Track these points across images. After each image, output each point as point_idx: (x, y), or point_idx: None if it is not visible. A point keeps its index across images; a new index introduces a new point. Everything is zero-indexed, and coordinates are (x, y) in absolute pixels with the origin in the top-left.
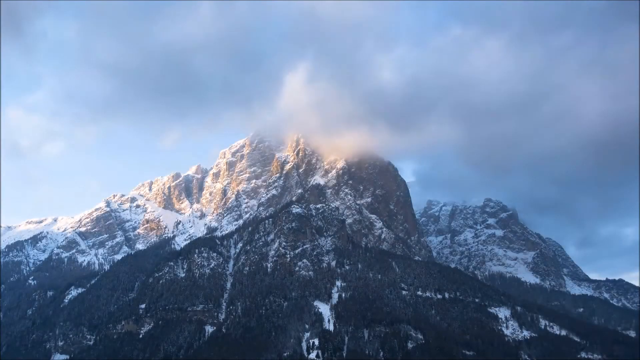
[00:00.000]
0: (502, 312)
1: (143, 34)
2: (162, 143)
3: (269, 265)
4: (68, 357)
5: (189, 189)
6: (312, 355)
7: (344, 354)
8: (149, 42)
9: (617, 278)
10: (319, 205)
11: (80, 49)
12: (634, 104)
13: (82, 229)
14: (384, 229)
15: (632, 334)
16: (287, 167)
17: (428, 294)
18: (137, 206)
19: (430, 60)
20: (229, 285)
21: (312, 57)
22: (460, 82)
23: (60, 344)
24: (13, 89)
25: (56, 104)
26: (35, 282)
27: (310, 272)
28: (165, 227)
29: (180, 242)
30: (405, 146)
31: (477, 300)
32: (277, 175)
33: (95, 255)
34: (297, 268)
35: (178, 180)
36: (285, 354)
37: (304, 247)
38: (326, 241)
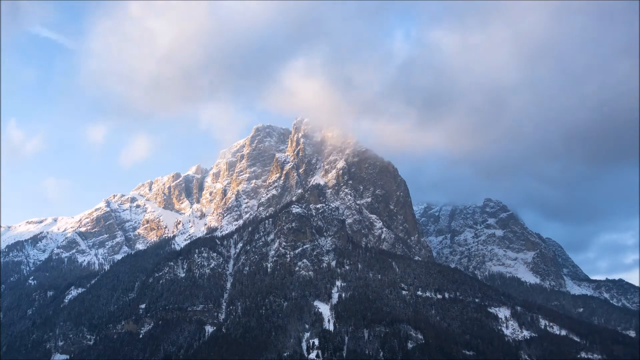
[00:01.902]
0: (502, 312)
1: (144, 34)
2: (161, 143)
3: (269, 265)
4: (68, 357)
5: (189, 189)
6: (312, 355)
7: (344, 354)
8: (151, 42)
9: (617, 278)
10: (319, 205)
11: (78, 48)
12: (633, 97)
13: (82, 229)
14: (384, 229)
15: (632, 334)
16: (287, 167)
17: (428, 294)
18: (137, 206)
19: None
20: (229, 285)
21: (314, 53)
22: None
23: (60, 344)
24: (13, 88)
25: (57, 103)
26: (35, 282)
27: (310, 272)
28: (165, 227)
29: (180, 242)
30: (405, 144)
31: (477, 300)
32: (277, 175)
33: (95, 255)
34: (297, 268)
35: (178, 180)
36: (285, 354)
37: (304, 247)
38: (326, 241)
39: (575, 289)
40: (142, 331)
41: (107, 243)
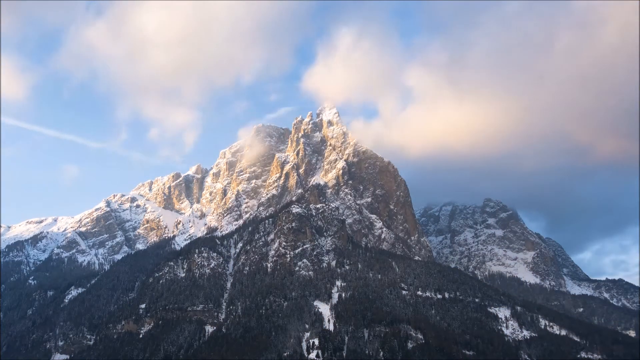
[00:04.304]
0: (502, 312)
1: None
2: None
3: (269, 265)
4: (68, 357)
5: (189, 189)
6: (312, 355)
7: (344, 354)
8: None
9: (617, 278)
10: (319, 205)
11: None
12: (633, 97)
13: (82, 229)
14: (384, 229)
15: (632, 334)
16: (287, 167)
17: (428, 294)
18: (137, 206)
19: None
20: (229, 285)
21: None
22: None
23: (60, 344)
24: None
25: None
26: (35, 282)
27: (310, 272)
28: (166, 227)
29: (181, 242)
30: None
31: (477, 300)
32: (277, 175)
33: (96, 255)
34: (297, 268)
35: (178, 180)
36: (285, 354)
37: (304, 247)
38: (326, 241)
39: (575, 289)
40: (142, 331)
41: (107, 243)
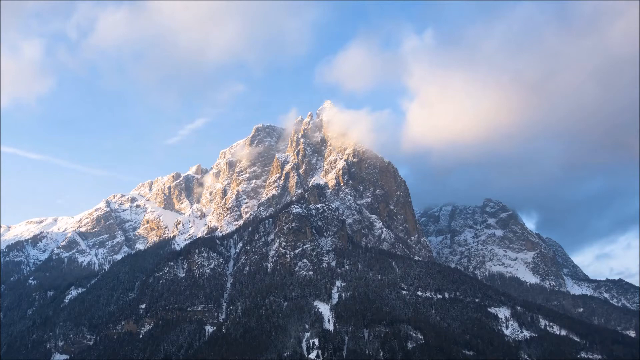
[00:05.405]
0: (502, 312)
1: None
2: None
3: (269, 265)
4: (68, 357)
5: (189, 189)
6: (312, 355)
7: (344, 354)
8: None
9: (616, 278)
10: (319, 205)
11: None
12: (633, 97)
13: (82, 229)
14: (384, 229)
15: (632, 334)
16: (287, 167)
17: (428, 294)
18: (137, 206)
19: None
20: (229, 285)
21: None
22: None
23: (60, 344)
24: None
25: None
26: (35, 282)
27: (310, 272)
28: (166, 227)
29: (181, 242)
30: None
31: (477, 300)
32: (277, 175)
33: (96, 255)
34: (297, 268)
35: (178, 180)
36: (285, 354)
37: (304, 247)
38: (326, 241)
39: (575, 289)
40: (142, 331)
41: (107, 243)
